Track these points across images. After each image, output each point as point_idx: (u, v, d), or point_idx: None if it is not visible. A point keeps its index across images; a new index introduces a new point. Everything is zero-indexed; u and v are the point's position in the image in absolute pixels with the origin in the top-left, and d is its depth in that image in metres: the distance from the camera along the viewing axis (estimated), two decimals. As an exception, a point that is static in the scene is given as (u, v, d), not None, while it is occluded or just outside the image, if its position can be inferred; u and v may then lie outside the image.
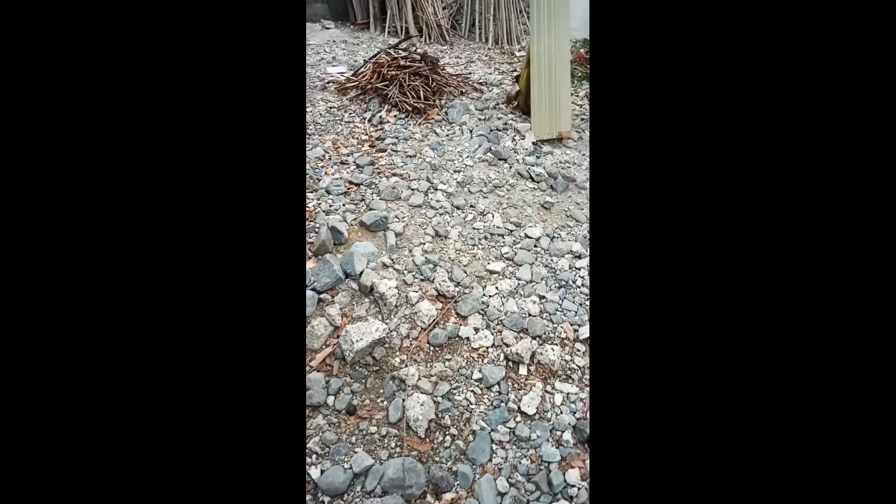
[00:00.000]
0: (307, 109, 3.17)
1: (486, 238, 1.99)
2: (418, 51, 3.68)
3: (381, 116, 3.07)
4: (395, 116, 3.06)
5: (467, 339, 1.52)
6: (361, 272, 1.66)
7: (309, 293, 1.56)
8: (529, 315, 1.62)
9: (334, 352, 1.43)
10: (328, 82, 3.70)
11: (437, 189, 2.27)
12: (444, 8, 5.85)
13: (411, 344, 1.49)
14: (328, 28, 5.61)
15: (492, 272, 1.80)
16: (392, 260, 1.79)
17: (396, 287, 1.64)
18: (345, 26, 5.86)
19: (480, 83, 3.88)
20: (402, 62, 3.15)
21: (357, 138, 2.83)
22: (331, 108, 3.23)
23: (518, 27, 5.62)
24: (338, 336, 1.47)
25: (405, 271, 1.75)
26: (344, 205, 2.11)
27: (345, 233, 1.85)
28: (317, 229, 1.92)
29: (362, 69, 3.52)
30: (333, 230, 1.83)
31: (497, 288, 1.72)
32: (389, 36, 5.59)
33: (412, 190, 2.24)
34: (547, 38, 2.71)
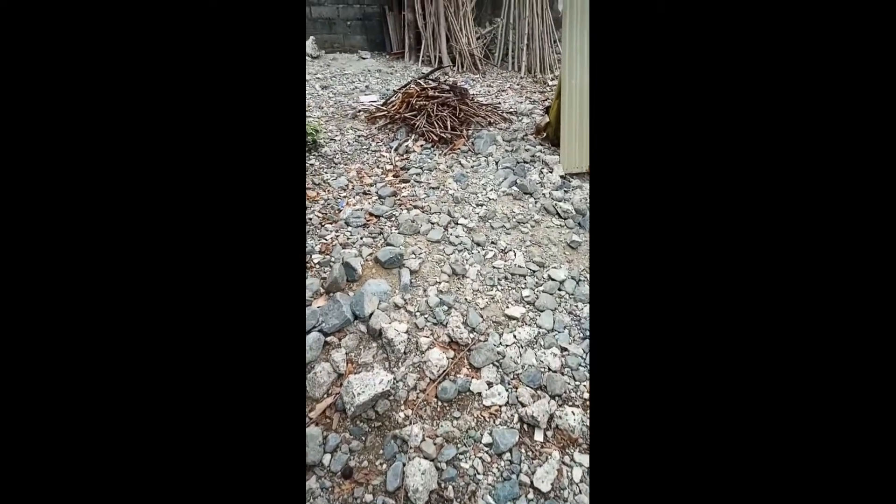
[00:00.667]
0: (336, 138, 3.22)
1: (506, 278, 1.87)
2: (448, 81, 3.69)
3: (407, 146, 3.06)
4: (421, 146, 3.04)
5: (479, 394, 1.40)
6: (371, 314, 1.58)
7: (315, 335, 1.49)
8: (549, 370, 1.48)
9: (335, 402, 1.34)
10: (359, 111, 3.77)
11: (457, 223, 2.19)
12: (478, 38, 5.92)
13: (418, 397, 1.38)
14: (364, 58, 5.79)
15: (510, 318, 1.68)
16: (405, 300, 1.70)
17: (407, 331, 1.55)
18: (381, 56, 6.04)
19: (510, 112, 3.82)
20: (430, 92, 3.15)
21: (382, 168, 2.82)
22: (359, 136, 3.26)
23: (552, 56, 5.59)
24: (341, 384, 1.39)
25: (417, 313, 1.66)
26: (362, 238, 2.07)
27: (359, 269, 1.79)
28: (332, 263, 1.87)
29: (392, 98, 3.56)
30: (347, 266, 1.78)
31: (515, 336, 1.59)
32: (423, 65, 5.70)
33: (432, 224, 2.17)
34: (579, 68, 2.62)
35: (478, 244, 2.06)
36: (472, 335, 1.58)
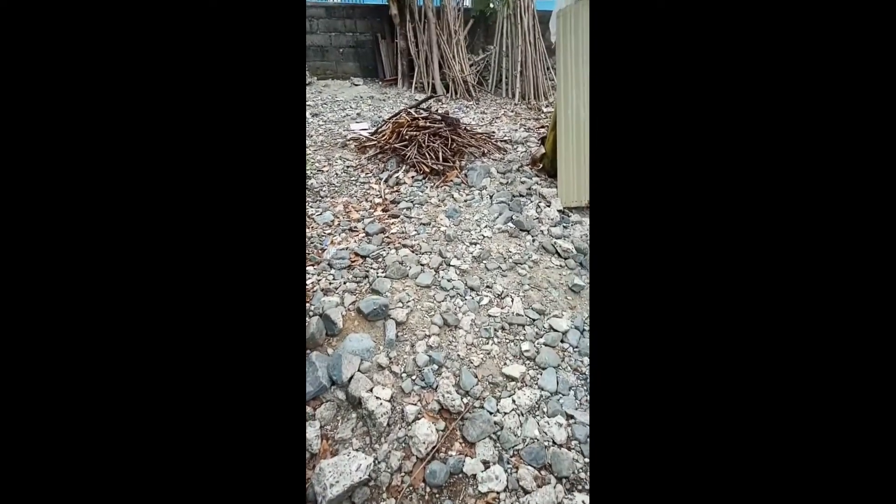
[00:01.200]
0: (324, 169, 3.08)
1: (503, 329, 1.70)
2: (440, 110, 3.60)
3: (397, 177, 2.93)
4: (412, 178, 2.91)
5: (473, 477, 1.20)
6: (351, 378, 1.40)
7: (286, 404, 1.30)
8: (554, 444, 1.29)
9: (306, 493, 1.15)
10: (349, 139, 3.66)
11: (449, 265, 2.03)
12: (471, 65, 5.91)
13: (402, 482, 1.19)
14: (357, 85, 5.75)
15: (509, 378, 1.50)
16: (389, 359, 1.52)
17: (391, 398, 1.36)
18: (373, 83, 6.00)
19: (505, 141, 3.73)
20: (422, 122, 3.04)
21: (370, 201, 2.67)
22: (348, 167, 3.13)
23: (545, 82, 5.57)
24: (313, 467, 1.19)
25: (404, 374, 1.47)
26: (345, 282, 1.90)
27: (339, 322, 1.61)
28: (309, 315, 1.69)
29: (383, 127, 3.45)
30: (326, 319, 1.60)
31: (514, 401, 1.41)
32: (417, 91, 5.66)
33: (422, 266, 2.01)
34: (575, 98, 2.52)
35: (472, 289, 1.89)
36: (465, 400, 1.40)
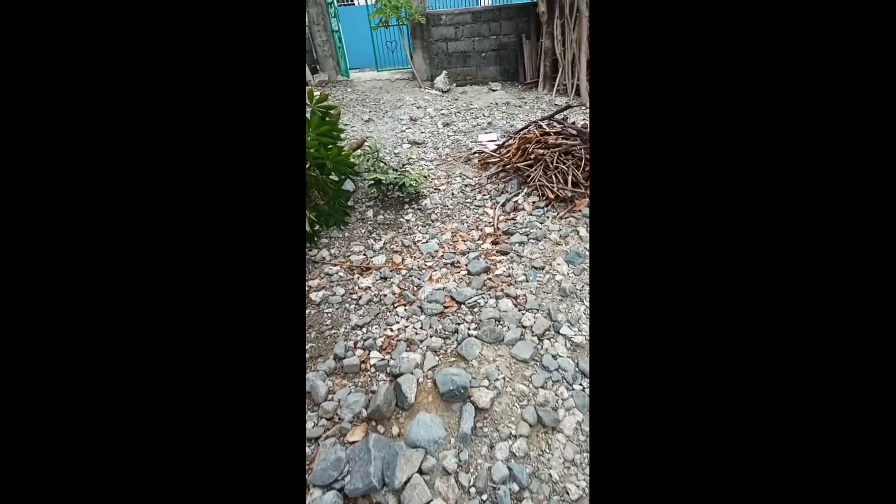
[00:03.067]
0: (441, 187, 2.91)
1: (620, 446, 1.22)
2: (578, 122, 3.07)
3: (516, 202, 2.57)
4: (533, 203, 2.52)
5: None
6: (407, 481, 1.14)
7: (333, 495, 1.11)
8: None
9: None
10: (474, 152, 3.43)
11: (559, 333, 1.61)
12: (628, 60, 5.09)
13: None
14: (494, 90, 5.50)
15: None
16: (459, 462, 1.21)
17: (448, 526, 1.06)
18: (513, 86, 5.67)
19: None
20: (552, 139, 2.60)
21: (481, 230, 2.38)
22: (466, 186, 2.89)
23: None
24: None
25: (472, 489, 1.15)
26: (432, 335, 1.65)
27: (411, 395, 1.37)
28: (381, 376, 1.49)
29: (510, 141, 3.11)
30: (398, 388, 1.37)
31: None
32: (558, 95, 5.13)
33: (523, 329, 1.63)
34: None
35: (584, 374, 1.45)
36: (547, 558, 1.00)
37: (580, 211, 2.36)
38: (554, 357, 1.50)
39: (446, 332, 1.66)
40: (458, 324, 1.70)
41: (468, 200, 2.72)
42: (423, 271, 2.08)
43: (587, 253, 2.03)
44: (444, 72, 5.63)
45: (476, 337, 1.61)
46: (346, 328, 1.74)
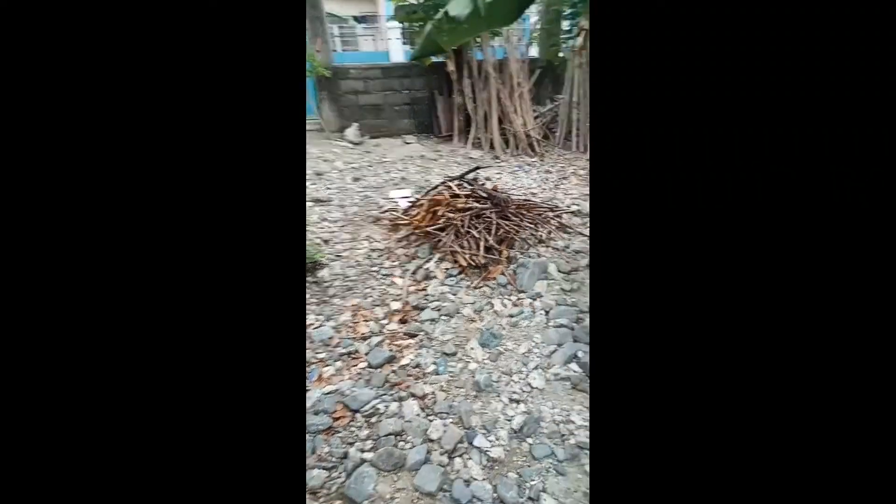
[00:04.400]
0: (343, 254, 2.58)
1: None
2: (489, 183, 2.99)
3: (427, 269, 2.32)
4: (445, 270, 2.29)
5: None
6: None
7: None
8: None
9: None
10: (384, 211, 3.18)
11: (472, 445, 1.31)
12: (536, 117, 5.35)
13: None
14: (409, 143, 5.43)
15: None
16: None
17: None
18: (428, 139, 5.66)
19: (572, 212, 3.01)
20: (462, 202, 2.44)
21: (387, 306, 2.07)
22: (372, 251, 2.60)
23: (622, 136, 4.78)
24: None
25: None
26: (314, 465, 1.26)
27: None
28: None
29: (420, 200, 2.92)
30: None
31: None
32: (473, 147, 5.19)
33: (429, 444, 1.31)
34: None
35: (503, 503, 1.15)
36: None
37: (494, 279, 2.17)
38: (467, 482, 1.19)
39: (332, 458, 1.28)
40: (350, 443, 1.34)
41: (374, 268, 2.42)
42: (312, 368, 1.70)
43: (503, 332, 1.81)
44: (356, 124, 5.46)
45: (371, 463, 1.25)
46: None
